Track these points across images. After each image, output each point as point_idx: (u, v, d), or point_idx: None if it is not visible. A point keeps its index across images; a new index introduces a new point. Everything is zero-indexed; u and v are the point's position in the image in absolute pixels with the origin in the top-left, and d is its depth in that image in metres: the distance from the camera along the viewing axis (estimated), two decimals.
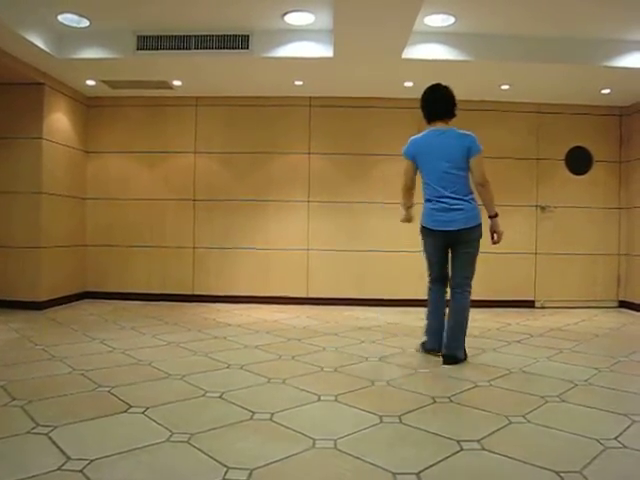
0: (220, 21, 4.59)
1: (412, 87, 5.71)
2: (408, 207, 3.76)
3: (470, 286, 3.60)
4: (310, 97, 6.13)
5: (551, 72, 5.09)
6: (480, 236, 3.53)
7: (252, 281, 6.19)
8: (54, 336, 4.12)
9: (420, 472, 1.88)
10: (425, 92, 3.65)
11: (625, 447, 2.11)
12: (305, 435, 2.20)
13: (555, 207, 6.19)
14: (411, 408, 2.56)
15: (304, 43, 4.80)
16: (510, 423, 2.37)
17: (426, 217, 3.60)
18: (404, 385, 2.96)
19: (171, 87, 5.82)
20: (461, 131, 3.59)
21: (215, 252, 6.24)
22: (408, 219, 3.79)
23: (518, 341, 4.23)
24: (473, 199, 3.52)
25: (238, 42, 4.74)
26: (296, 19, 4.52)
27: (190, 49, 4.76)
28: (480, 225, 3.52)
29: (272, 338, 4.23)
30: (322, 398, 2.70)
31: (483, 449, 2.08)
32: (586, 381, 3.07)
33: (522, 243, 6.20)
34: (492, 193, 3.53)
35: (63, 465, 1.88)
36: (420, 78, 5.39)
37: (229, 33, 4.73)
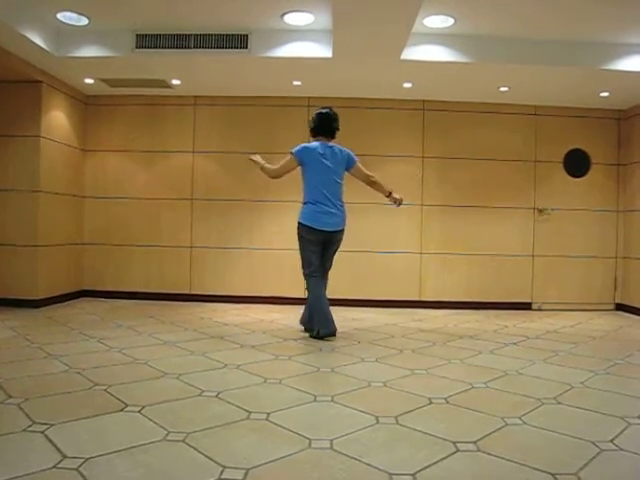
0: (219, 20, 4.59)
1: (411, 88, 5.73)
2: (262, 168, 4.35)
3: None
4: (309, 97, 6.13)
5: (550, 74, 5.10)
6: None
7: (249, 281, 6.19)
8: (51, 334, 4.11)
9: (416, 473, 1.88)
10: (321, 114, 4.33)
11: (621, 449, 2.11)
12: (301, 435, 2.20)
13: (553, 209, 6.21)
14: (407, 409, 2.56)
15: (303, 43, 4.80)
16: (506, 425, 2.37)
17: (310, 218, 4.18)
18: (400, 386, 2.96)
19: (170, 86, 5.82)
20: (342, 148, 4.35)
21: (212, 252, 6.23)
22: (256, 160, 4.39)
23: (515, 343, 4.24)
24: (344, 205, 4.31)
25: (237, 42, 4.74)
26: (295, 19, 4.52)
27: (189, 48, 4.76)
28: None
29: (269, 338, 4.23)
30: (318, 398, 2.70)
31: (479, 450, 2.08)
32: (582, 383, 3.08)
33: (519, 245, 6.21)
34: (378, 180, 4.41)
35: (59, 463, 1.88)
36: (419, 79, 5.43)
37: (228, 32, 4.73)
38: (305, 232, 4.21)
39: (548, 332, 4.77)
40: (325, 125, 4.30)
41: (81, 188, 6.22)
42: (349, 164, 4.32)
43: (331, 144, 4.31)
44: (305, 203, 4.26)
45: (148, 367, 3.23)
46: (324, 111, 4.36)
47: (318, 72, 5.27)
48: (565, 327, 5.06)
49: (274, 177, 4.35)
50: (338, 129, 4.37)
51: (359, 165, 4.37)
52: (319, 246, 4.25)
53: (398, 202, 4.46)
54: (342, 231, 4.29)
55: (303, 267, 4.31)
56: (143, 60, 5.01)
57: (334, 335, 4.18)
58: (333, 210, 4.19)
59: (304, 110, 6.15)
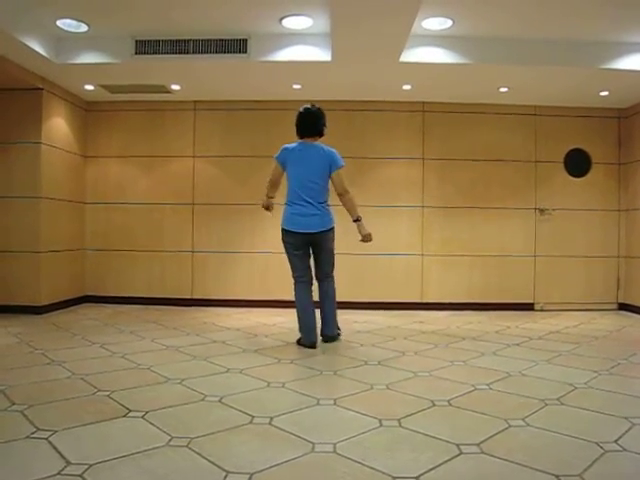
0: (218, 25, 4.60)
1: (410, 90, 5.73)
2: (270, 197, 4.27)
3: (333, 276, 4.23)
4: (309, 101, 6.12)
5: (549, 74, 5.10)
6: (334, 235, 4.13)
7: (251, 285, 6.19)
8: (53, 340, 4.12)
9: (419, 476, 1.88)
10: (301, 112, 4.11)
11: (625, 450, 2.11)
12: (304, 439, 2.20)
13: (554, 209, 6.20)
14: (410, 411, 2.56)
15: (302, 47, 4.81)
16: (509, 426, 2.37)
17: (286, 220, 4.05)
18: (403, 388, 2.96)
19: (169, 91, 5.83)
20: (326, 147, 4.07)
21: (214, 256, 6.24)
22: (267, 206, 4.30)
23: (517, 344, 4.23)
24: (327, 206, 4.07)
25: (236, 46, 4.75)
26: (294, 23, 4.53)
27: (188, 53, 4.77)
28: (334, 227, 4.10)
29: (271, 342, 4.23)
30: (321, 402, 2.70)
31: (482, 453, 2.08)
32: (585, 384, 3.07)
33: (521, 246, 6.21)
34: (352, 201, 4.09)
35: (63, 470, 1.88)
36: (418, 81, 5.43)
37: (227, 37, 4.74)
38: (285, 235, 4.07)
39: (551, 333, 4.76)
40: (307, 123, 4.06)
41: (82, 194, 6.24)
42: (332, 166, 4.00)
43: (315, 144, 4.06)
44: (284, 205, 4.12)
45: (151, 372, 3.23)
46: (302, 109, 4.12)
47: (317, 75, 5.28)
48: (568, 327, 5.05)
49: (273, 184, 4.22)
50: (324, 125, 4.11)
51: (341, 172, 4.03)
52: (301, 250, 4.05)
53: (363, 238, 4.13)
54: (326, 232, 4.01)
55: (291, 271, 4.14)
56: (143, 66, 5.02)
57: (314, 347, 3.96)
58: (311, 211, 3.96)
59: None
